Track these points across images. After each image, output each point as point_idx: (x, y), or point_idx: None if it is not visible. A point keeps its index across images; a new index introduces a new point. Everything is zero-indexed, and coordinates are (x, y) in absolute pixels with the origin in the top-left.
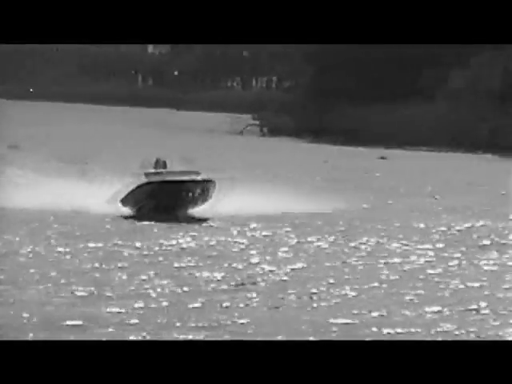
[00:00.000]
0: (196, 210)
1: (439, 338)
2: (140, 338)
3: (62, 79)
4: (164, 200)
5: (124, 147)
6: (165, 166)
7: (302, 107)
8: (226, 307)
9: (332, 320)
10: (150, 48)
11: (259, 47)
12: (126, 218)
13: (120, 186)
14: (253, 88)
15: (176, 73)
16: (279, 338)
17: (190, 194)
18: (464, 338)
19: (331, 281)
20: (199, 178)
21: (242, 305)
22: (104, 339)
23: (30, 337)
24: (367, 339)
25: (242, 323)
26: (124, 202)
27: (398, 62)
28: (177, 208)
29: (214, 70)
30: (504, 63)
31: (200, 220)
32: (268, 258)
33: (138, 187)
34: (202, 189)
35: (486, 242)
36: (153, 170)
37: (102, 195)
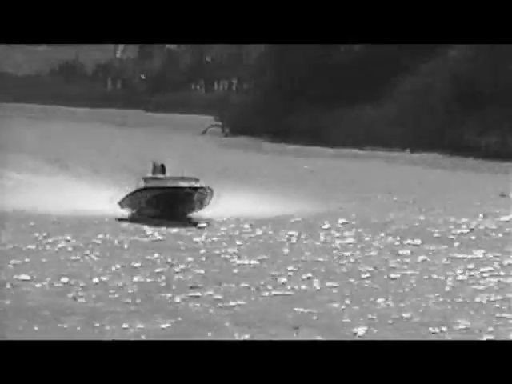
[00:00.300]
0: (193, 215)
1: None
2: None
3: (34, 81)
4: (163, 206)
5: (96, 147)
6: (163, 170)
7: (261, 108)
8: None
9: (296, 308)
10: (118, 53)
11: (221, 50)
12: (121, 219)
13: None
14: (215, 90)
15: (143, 76)
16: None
17: (188, 201)
18: (416, 326)
19: (291, 273)
20: (198, 185)
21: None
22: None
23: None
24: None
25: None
26: (122, 204)
27: (356, 67)
28: (175, 213)
29: (178, 74)
30: (451, 69)
31: (193, 223)
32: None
33: (137, 191)
34: (199, 196)
35: (438, 235)
36: (151, 175)
37: (88, 194)
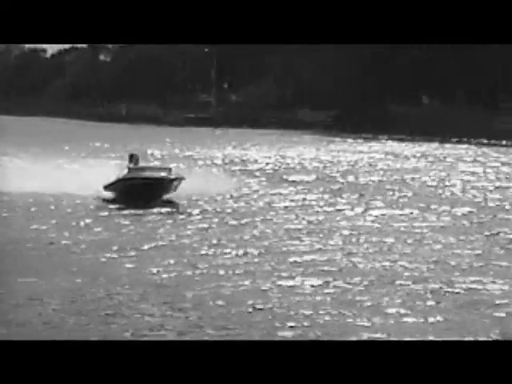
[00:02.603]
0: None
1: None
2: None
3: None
4: (144, 193)
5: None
6: (137, 160)
7: None
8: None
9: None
10: None
11: None
12: (105, 200)
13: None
14: None
15: None
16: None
17: (165, 189)
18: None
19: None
20: (173, 176)
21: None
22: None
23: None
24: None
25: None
26: (107, 188)
27: None
28: (152, 199)
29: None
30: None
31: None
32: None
33: (122, 180)
34: (173, 184)
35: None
36: (132, 166)
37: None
